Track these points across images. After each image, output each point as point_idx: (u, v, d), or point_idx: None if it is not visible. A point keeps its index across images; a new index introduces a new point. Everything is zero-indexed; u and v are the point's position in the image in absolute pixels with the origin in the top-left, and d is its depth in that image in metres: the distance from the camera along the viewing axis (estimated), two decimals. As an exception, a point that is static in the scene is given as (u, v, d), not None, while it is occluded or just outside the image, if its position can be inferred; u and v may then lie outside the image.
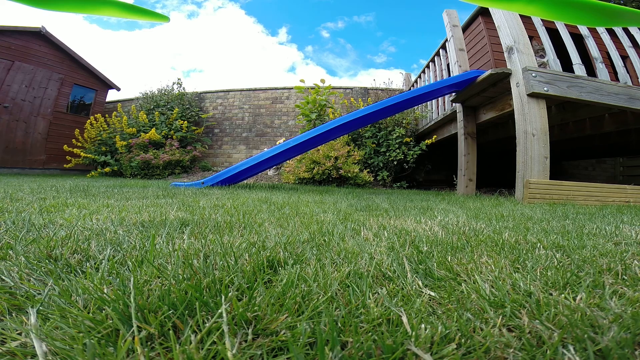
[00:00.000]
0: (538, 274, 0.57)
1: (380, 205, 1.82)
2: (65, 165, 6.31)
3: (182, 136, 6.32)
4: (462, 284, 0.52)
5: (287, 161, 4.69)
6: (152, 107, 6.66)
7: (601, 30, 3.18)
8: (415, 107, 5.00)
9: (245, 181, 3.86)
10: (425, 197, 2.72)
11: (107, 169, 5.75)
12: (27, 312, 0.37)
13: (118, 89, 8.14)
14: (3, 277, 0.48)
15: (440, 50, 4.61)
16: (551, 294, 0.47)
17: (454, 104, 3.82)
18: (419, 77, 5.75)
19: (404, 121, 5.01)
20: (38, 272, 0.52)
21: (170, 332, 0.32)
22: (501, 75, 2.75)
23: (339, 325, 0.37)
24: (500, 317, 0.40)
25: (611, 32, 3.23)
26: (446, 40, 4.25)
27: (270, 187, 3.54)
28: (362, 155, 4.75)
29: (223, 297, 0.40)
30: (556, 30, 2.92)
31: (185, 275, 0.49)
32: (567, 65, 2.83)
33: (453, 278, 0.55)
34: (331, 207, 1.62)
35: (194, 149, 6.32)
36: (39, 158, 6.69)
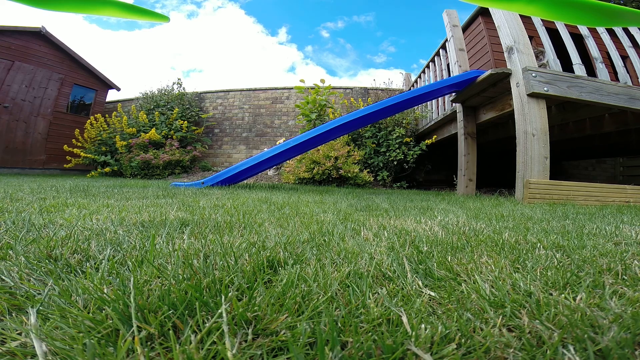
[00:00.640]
0: (538, 274, 0.57)
1: (380, 205, 1.82)
2: (65, 165, 6.31)
3: (182, 136, 6.33)
4: (462, 284, 0.52)
5: (287, 161, 4.69)
6: (152, 107, 6.66)
7: (601, 30, 3.18)
8: (415, 107, 5.00)
9: (245, 181, 3.86)
10: (425, 197, 2.72)
11: (107, 169, 5.75)
12: (27, 312, 0.37)
13: (118, 89, 8.14)
14: (3, 277, 0.48)
15: (440, 50, 4.61)
16: (551, 294, 0.47)
17: (454, 104, 3.82)
18: (419, 77, 5.75)
19: (404, 121, 5.01)
20: (38, 272, 0.52)
21: (170, 332, 0.32)
22: (501, 75, 2.75)
23: (339, 325, 0.37)
24: (500, 317, 0.40)
25: (611, 32, 3.23)
26: (446, 40, 4.25)
27: (270, 187, 3.54)
28: (362, 155, 4.75)
29: (223, 297, 0.40)
30: (556, 30, 2.92)
31: (185, 275, 0.49)
32: (567, 65, 2.83)
33: (453, 278, 0.55)
34: (331, 207, 1.62)
35: (194, 149, 6.32)
36: (39, 158, 6.69)
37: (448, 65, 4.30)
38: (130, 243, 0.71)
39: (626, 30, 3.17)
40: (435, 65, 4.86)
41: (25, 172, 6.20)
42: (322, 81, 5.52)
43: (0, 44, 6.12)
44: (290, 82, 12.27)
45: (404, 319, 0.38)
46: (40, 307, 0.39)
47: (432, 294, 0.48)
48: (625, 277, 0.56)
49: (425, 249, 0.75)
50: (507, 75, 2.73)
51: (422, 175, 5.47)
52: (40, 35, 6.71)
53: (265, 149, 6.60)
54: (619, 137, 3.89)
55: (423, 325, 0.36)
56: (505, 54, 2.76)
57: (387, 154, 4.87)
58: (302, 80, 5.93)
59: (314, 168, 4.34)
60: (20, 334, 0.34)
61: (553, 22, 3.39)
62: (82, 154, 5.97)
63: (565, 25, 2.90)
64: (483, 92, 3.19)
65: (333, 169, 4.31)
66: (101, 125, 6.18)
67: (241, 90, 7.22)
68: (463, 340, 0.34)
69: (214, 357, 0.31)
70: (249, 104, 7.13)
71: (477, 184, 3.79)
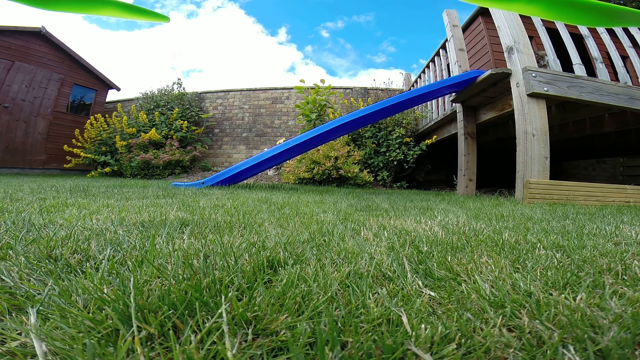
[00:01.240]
0: (538, 274, 0.57)
1: (380, 205, 1.82)
2: (65, 165, 6.30)
3: (182, 136, 6.33)
4: (462, 284, 0.52)
5: (287, 161, 4.69)
6: (152, 107, 6.66)
7: (601, 30, 3.18)
8: (415, 107, 5.00)
9: (245, 181, 3.86)
10: (425, 197, 2.72)
11: (107, 169, 5.75)
12: (27, 312, 0.37)
13: (118, 89, 8.14)
14: (3, 277, 0.48)
15: (440, 50, 4.61)
16: (551, 294, 0.47)
17: (454, 104, 3.82)
18: (419, 77, 5.75)
19: (404, 121, 5.01)
20: (38, 272, 0.52)
21: (170, 332, 0.32)
22: (501, 75, 2.75)
23: (339, 325, 0.37)
24: (500, 317, 0.40)
25: (611, 32, 3.23)
26: (446, 40, 4.25)
27: (270, 187, 3.54)
28: (362, 155, 4.75)
29: (223, 297, 0.40)
30: (556, 30, 2.92)
31: (185, 275, 0.49)
32: (567, 65, 2.83)
33: (453, 278, 0.55)
34: (331, 207, 1.62)
35: (194, 149, 6.32)
36: (39, 158, 6.69)
37: (448, 65, 4.30)
38: (130, 243, 0.71)
39: (626, 30, 3.17)
40: (435, 65, 4.86)
41: (25, 172, 6.20)
42: (322, 81, 5.52)
43: (0, 44, 6.13)
44: (290, 82, 12.27)
45: (404, 319, 0.38)
46: (40, 307, 0.39)
47: (432, 294, 0.48)
48: (625, 277, 0.56)
49: (425, 249, 0.75)
50: (507, 75, 2.73)
51: (422, 175, 5.47)
52: (40, 35, 6.71)
53: (265, 149, 6.61)
54: (619, 137, 3.89)
55: (423, 325, 0.36)
56: (505, 54, 2.76)
57: (387, 154, 4.87)
58: (302, 80, 5.93)
59: (314, 168, 4.34)
60: (20, 334, 0.34)
61: (553, 22, 3.39)
62: (82, 154, 5.97)
63: (565, 25, 2.90)
64: (483, 92, 3.19)
65: (333, 169, 4.31)
66: (101, 125, 6.18)
67: (241, 90, 7.22)
68: (463, 340, 0.34)
69: (214, 357, 0.31)
70: (249, 104, 7.13)
71: (477, 184, 3.79)
